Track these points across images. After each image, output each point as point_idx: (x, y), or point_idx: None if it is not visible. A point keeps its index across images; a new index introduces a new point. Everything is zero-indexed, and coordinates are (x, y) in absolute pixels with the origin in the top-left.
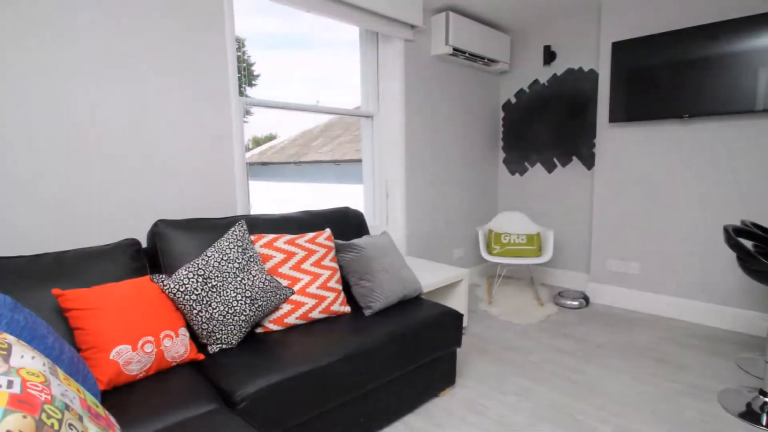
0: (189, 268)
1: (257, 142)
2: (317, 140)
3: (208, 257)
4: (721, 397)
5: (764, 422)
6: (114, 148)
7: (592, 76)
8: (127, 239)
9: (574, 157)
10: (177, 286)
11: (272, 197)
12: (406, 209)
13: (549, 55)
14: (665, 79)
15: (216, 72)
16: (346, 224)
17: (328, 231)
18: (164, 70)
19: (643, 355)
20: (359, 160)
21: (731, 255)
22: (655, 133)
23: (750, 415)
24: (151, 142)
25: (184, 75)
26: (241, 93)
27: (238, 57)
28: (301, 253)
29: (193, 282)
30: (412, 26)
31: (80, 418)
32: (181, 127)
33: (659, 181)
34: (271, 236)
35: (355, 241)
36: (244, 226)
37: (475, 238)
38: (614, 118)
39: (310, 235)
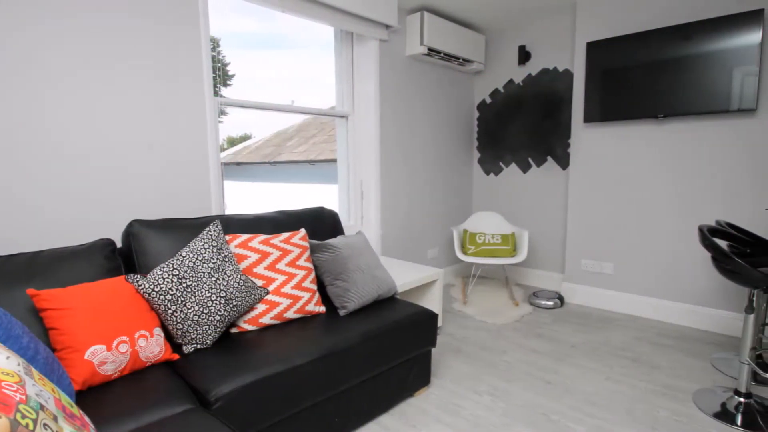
0: (164, 268)
1: (232, 142)
2: (292, 140)
3: (183, 257)
4: (696, 397)
5: (739, 422)
6: (87, 148)
7: (567, 76)
8: (101, 239)
9: (549, 157)
10: (152, 286)
11: (247, 197)
12: (381, 209)
13: (524, 55)
14: (640, 79)
15: (191, 72)
16: (320, 224)
17: (302, 231)
18: (138, 70)
19: (617, 355)
20: (334, 160)
21: (706, 255)
22: (630, 133)
23: (725, 415)
24: (125, 142)
25: (158, 75)
26: (216, 93)
27: (213, 57)
28: (276, 253)
29: (167, 282)
30: (387, 26)
31: (55, 418)
32: (155, 127)
33: (634, 181)
34: (245, 236)
35: (330, 241)
36: (219, 226)
37: (450, 238)
38: (589, 118)
39: (285, 235)
